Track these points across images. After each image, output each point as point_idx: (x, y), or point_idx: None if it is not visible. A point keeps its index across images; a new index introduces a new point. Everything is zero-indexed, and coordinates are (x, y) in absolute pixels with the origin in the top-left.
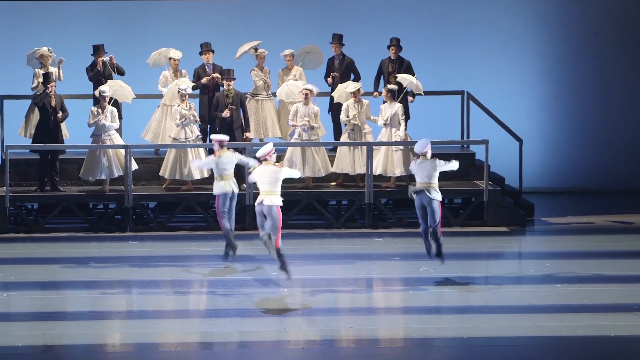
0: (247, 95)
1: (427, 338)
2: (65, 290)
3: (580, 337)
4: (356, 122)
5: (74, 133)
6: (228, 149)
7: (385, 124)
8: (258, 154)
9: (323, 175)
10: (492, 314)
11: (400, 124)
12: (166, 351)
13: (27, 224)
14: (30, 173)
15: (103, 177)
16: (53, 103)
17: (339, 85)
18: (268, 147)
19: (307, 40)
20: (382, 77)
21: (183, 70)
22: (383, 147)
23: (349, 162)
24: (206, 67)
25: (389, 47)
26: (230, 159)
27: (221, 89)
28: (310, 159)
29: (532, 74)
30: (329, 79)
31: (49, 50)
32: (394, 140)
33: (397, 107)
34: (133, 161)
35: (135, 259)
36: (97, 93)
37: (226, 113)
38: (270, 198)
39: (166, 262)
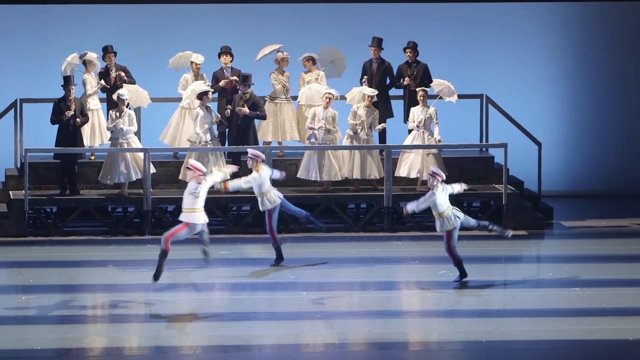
0: (265, 98)
1: (446, 342)
2: (83, 294)
3: (599, 341)
4: (361, 128)
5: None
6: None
7: (417, 127)
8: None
9: (340, 179)
10: (511, 318)
11: (434, 127)
12: (184, 354)
13: (46, 227)
14: (49, 176)
15: (122, 180)
16: (73, 107)
17: (354, 88)
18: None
19: (326, 44)
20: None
21: (203, 75)
22: (415, 150)
23: (348, 166)
24: (224, 70)
25: (405, 49)
26: (267, 172)
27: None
28: (327, 162)
29: (551, 77)
30: (364, 83)
31: (97, 58)
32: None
33: (432, 110)
34: (151, 165)
35: (154, 262)
36: (115, 97)
37: (242, 111)
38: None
39: (184, 266)
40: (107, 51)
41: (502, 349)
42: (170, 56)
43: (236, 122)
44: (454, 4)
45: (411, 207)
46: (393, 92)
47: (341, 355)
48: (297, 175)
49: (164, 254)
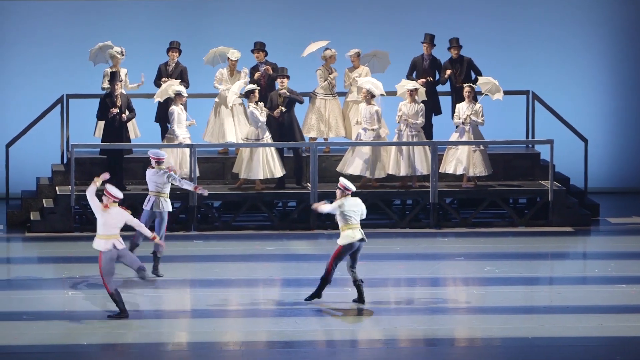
0: (311, 94)
1: (492, 338)
2: (129, 289)
3: None
4: (405, 122)
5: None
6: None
7: (463, 123)
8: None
9: (384, 175)
10: (557, 314)
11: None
12: (230, 350)
13: (92, 222)
14: (96, 172)
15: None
16: (119, 103)
17: (403, 80)
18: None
19: (371, 40)
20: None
21: (245, 68)
22: (461, 147)
23: (393, 162)
24: (259, 66)
25: (449, 48)
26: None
27: (276, 86)
28: (371, 159)
29: (597, 74)
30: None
31: (121, 52)
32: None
33: (478, 107)
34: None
35: (200, 257)
36: (171, 92)
37: (276, 113)
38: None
39: (230, 261)
40: (171, 46)
41: (547, 346)
42: (208, 51)
43: (280, 120)
44: None
45: (324, 208)
46: (441, 88)
47: (387, 352)
48: (337, 169)
49: None
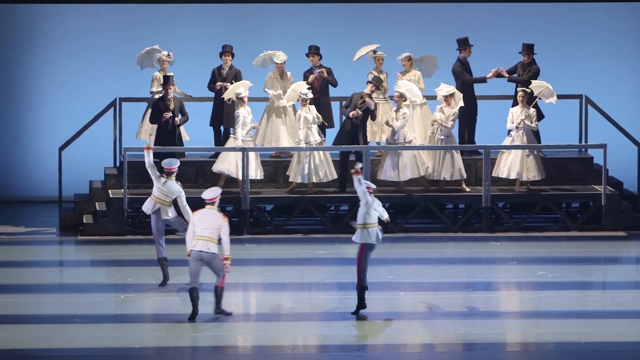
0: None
1: (544, 343)
2: (182, 293)
3: None
4: (438, 127)
5: (194, 136)
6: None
7: (517, 128)
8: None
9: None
10: (610, 319)
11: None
12: (282, 354)
13: (144, 226)
14: (148, 175)
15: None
16: (171, 106)
17: (442, 84)
18: (215, 192)
19: (426, 45)
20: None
21: (288, 73)
22: (514, 151)
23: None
24: (313, 69)
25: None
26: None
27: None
28: (401, 162)
29: None
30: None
31: (168, 55)
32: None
33: (531, 111)
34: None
35: (252, 261)
36: (233, 97)
37: (352, 114)
38: (208, 245)
39: (282, 265)
40: (224, 50)
41: (600, 350)
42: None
43: (349, 123)
44: (554, 4)
45: (358, 183)
46: (493, 91)
47: (439, 356)
48: (377, 177)
49: None
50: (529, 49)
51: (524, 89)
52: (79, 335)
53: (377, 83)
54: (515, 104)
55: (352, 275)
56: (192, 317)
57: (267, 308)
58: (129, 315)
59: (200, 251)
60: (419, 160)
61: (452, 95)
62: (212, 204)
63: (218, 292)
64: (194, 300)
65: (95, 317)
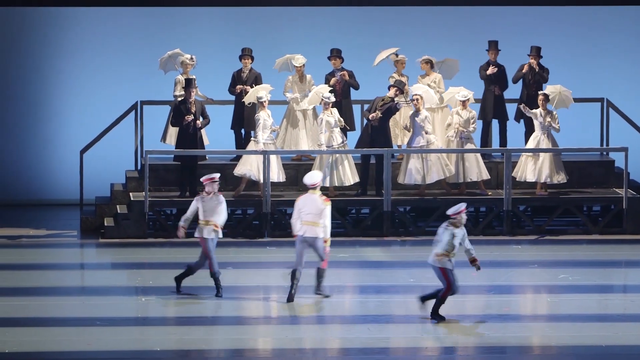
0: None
1: (565, 346)
2: (202, 295)
3: None
4: (457, 130)
5: (214, 138)
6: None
7: (542, 127)
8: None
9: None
10: (631, 323)
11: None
12: (304, 356)
13: (165, 229)
14: (169, 178)
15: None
16: (193, 110)
17: (450, 88)
18: (316, 176)
19: (446, 48)
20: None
21: (308, 75)
22: (543, 154)
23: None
24: (335, 72)
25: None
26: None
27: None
28: (420, 166)
29: None
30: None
31: (191, 58)
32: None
33: (555, 114)
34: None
35: (273, 264)
36: (254, 100)
37: (372, 116)
38: (312, 229)
39: (303, 268)
40: (244, 53)
41: (621, 354)
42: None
43: (370, 126)
44: (575, 7)
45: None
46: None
47: (459, 359)
48: (398, 180)
49: None
50: (537, 51)
51: (545, 92)
52: (100, 338)
53: (401, 86)
54: (534, 107)
55: (372, 278)
56: (290, 299)
57: (288, 311)
58: (150, 318)
59: (304, 235)
60: (442, 162)
61: (468, 99)
62: (314, 188)
63: (320, 273)
64: (293, 282)
65: (116, 320)
